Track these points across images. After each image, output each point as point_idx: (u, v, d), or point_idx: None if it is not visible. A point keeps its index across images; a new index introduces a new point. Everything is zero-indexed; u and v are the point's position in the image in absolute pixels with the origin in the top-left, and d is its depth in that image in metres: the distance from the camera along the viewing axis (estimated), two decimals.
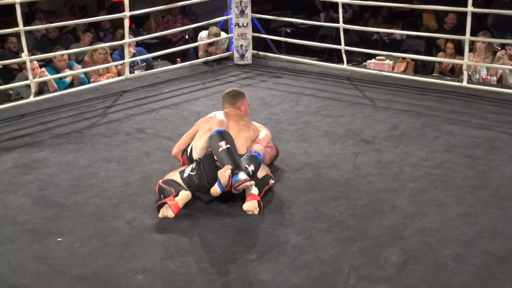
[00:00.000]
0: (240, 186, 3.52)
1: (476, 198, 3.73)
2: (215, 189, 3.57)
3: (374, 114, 5.41)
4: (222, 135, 3.69)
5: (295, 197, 3.78)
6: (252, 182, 3.57)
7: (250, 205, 3.59)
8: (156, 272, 3.00)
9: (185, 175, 3.74)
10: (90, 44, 8.35)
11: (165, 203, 3.54)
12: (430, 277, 2.91)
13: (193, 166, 3.75)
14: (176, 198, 3.55)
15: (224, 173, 3.52)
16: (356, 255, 3.10)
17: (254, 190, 3.65)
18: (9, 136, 5.09)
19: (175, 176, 3.79)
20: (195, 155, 3.86)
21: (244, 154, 3.83)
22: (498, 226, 3.38)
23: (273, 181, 3.89)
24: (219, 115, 4.03)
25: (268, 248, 3.19)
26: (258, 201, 3.62)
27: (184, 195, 3.57)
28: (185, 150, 4.03)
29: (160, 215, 3.55)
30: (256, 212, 3.58)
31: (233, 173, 3.53)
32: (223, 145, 3.63)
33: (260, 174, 3.82)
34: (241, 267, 3.02)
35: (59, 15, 11.89)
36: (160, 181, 3.77)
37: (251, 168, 3.67)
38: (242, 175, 3.52)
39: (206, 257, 3.12)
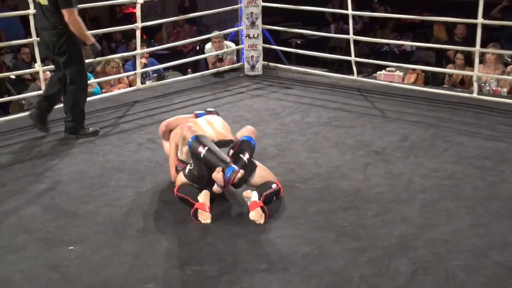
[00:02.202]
0: (235, 181, 3.59)
1: (487, 209, 3.72)
2: (216, 188, 3.66)
3: (384, 125, 5.42)
4: (196, 141, 3.73)
5: (305, 207, 3.79)
6: (242, 172, 3.62)
7: (255, 214, 3.61)
8: (166, 281, 3.02)
9: (186, 171, 3.83)
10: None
11: (197, 209, 3.62)
12: (440, 287, 2.91)
13: (191, 162, 3.83)
14: (201, 201, 3.65)
15: (217, 176, 3.59)
16: (366, 265, 3.11)
17: (254, 196, 3.66)
18: (22, 145, 5.13)
19: (182, 177, 3.86)
20: (185, 158, 3.93)
21: (230, 140, 3.90)
22: (509, 237, 3.37)
23: (276, 186, 3.79)
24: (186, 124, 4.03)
25: (278, 258, 3.20)
26: (262, 207, 3.62)
27: (203, 195, 3.68)
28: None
29: (203, 222, 3.60)
30: (262, 220, 3.59)
31: (224, 170, 3.59)
32: (201, 150, 3.68)
33: (261, 180, 3.81)
34: (251, 277, 3.03)
35: None
36: (176, 189, 3.82)
37: (246, 156, 3.73)
38: (230, 170, 3.58)
39: (217, 266, 3.13)
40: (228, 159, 3.68)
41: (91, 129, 5.37)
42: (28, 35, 6.25)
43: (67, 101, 5.25)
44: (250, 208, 3.63)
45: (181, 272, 3.08)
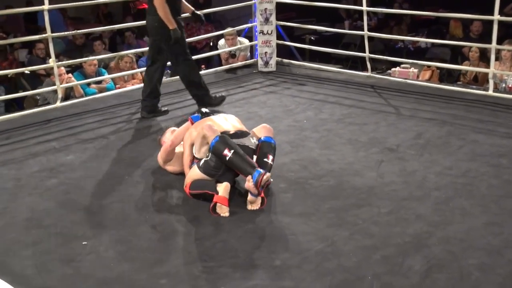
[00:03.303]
0: (262, 184, 3.60)
1: (501, 208, 3.69)
2: (252, 198, 3.70)
3: (399, 122, 5.39)
4: (220, 142, 3.73)
5: (318, 204, 3.78)
6: (268, 174, 3.65)
7: (254, 202, 3.72)
8: (179, 277, 3.02)
9: (201, 163, 3.84)
10: (101, 53, 8.43)
11: (216, 203, 3.63)
12: (454, 286, 2.90)
13: (208, 154, 3.84)
14: (221, 193, 3.66)
15: (249, 185, 3.62)
16: (379, 263, 3.10)
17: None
18: (36, 140, 5.16)
19: (195, 173, 3.85)
20: (202, 156, 3.94)
21: (246, 131, 3.99)
22: None
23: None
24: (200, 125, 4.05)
25: (291, 255, 3.19)
26: (262, 198, 3.72)
27: (224, 188, 3.69)
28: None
29: (222, 215, 3.63)
30: (257, 208, 3.70)
31: (251, 174, 3.63)
32: (227, 153, 3.69)
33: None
34: (264, 273, 3.03)
35: (86, 21, 12.04)
36: (188, 187, 3.82)
37: (270, 159, 3.83)
38: (257, 173, 3.60)
39: (229, 263, 3.13)
40: (255, 164, 3.72)
41: (218, 95, 5.96)
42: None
43: (182, 77, 5.89)
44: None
45: (194, 268, 3.09)
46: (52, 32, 5.78)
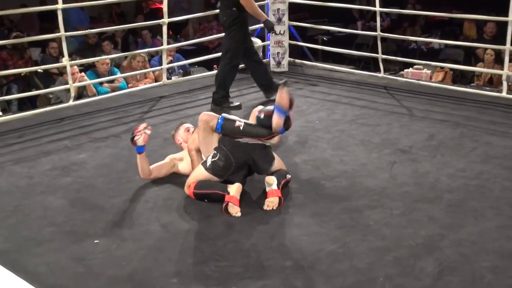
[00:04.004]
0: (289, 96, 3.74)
1: None
2: (277, 120, 3.71)
3: (411, 124, 5.36)
4: (227, 120, 3.81)
5: (330, 205, 3.77)
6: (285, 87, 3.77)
7: (272, 201, 3.69)
8: (190, 276, 3.02)
9: (208, 164, 3.83)
10: (110, 52, 8.46)
11: (228, 203, 3.63)
12: None
13: (214, 153, 3.84)
14: (232, 193, 3.66)
15: (282, 93, 3.70)
16: (391, 265, 3.08)
17: (275, 184, 3.73)
18: (49, 139, 5.19)
19: (201, 173, 3.84)
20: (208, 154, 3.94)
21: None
22: None
23: (289, 177, 3.95)
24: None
25: (302, 256, 3.18)
26: (280, 198, 3.70)
27: (236, 189, 3.68)
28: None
29: (234, 215, 3.62)
30: (275, 208, 3.68)
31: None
32: (239, 123, 3.77)
33: (275, 167, 3.93)
34: (275, 274, 3.02)
35: (99, 21, 12.09)
36: (192, 187, 3.82)
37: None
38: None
39: (241, 262, 3.13)
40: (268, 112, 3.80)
41: (235, 103, 5.96)
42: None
43: (218, 74, 5.99)
44: (269, 195, 3.71)
45: (205, 268, 3.08)
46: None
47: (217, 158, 3.81)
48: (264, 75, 6.20)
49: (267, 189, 3.74)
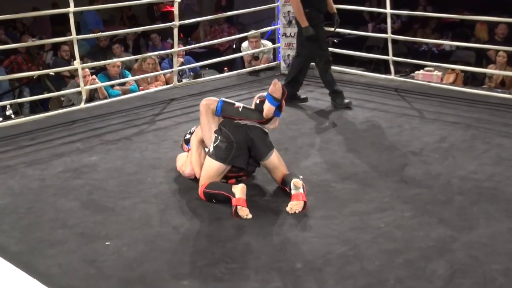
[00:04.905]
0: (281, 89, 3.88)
1: None
2: (269, 107, 3.86)
3: (422, 126, 5.35)
4: (226, 102, 3.95)
5: (341, 208, 3.77)
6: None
7: (296, 204, 3.70)
8: (201, 278, 3.03)
9: (211, 150, 3.89)
10: (120, 55, 8.50)
11: (237, 206, 3.63)
12: None
13: (215, 137, 3.91)
14: (237, 195, 3.66)
15: (274, 87, 3.84)
16: (402, 267, 3.07)
17: (301, 189, 3.75)
18: (61, 141, 5.22)
19: (209, 164, 3.89)
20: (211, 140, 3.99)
21: None
22: None
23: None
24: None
25: (313, 258, 3.18)
26: (305, 202, 3.70)
27: (240, 190, 3.69)
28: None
29: (244, 217, 3.63)
30: (298, 211, 3.68)
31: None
32: (239, 105, 3.94)
33: (281, 163, 4.02)
34: (285, 276, 3.02)
35: (110, 24, 12.14)
36: (204, 187, 3.84)
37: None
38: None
39: (251, 265, 3.13)
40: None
41: (346, 101, 5.98)
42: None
43: (320, 75, 6.14)
44: (295, 198, 3.71)
45: (216, 270, 3.09)
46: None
47: (218, 141, 3.87)
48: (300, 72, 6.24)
49: (293, 192, 3.74)
